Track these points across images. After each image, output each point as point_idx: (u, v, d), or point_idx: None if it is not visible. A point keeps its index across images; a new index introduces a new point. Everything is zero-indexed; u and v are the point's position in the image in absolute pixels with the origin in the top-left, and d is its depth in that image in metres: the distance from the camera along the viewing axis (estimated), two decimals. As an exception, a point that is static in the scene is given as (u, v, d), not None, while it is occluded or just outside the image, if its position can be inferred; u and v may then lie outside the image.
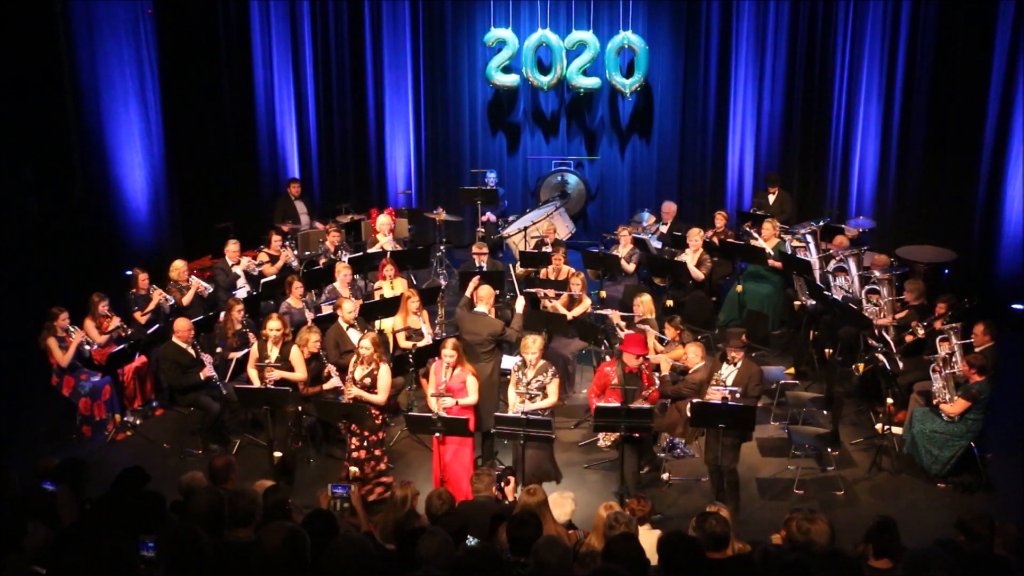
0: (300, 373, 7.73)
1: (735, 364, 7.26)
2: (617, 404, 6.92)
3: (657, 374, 8.33)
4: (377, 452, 7.36)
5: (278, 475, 7.35)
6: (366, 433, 7.26)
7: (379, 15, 13.37)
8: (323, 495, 5.83)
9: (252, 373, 7.71)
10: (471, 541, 5.15)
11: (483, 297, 8.18)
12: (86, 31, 11.42)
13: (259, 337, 8.38)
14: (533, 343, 7.24)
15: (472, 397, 7.21)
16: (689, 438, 7.98)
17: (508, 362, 8.49)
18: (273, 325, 7.69)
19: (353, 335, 8.24)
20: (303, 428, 8.14)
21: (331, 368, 7.84)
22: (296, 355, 7.73)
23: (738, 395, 7.01)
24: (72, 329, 8.48)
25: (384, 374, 7.30)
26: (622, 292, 10.14)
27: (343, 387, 7.37)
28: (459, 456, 7.17)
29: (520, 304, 8.24)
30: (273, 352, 7.64)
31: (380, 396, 7.28)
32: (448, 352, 7.17)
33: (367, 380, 7.25)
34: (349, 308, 8.34)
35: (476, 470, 6.70)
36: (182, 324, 8.21)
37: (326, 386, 7.87)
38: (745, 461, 7.93)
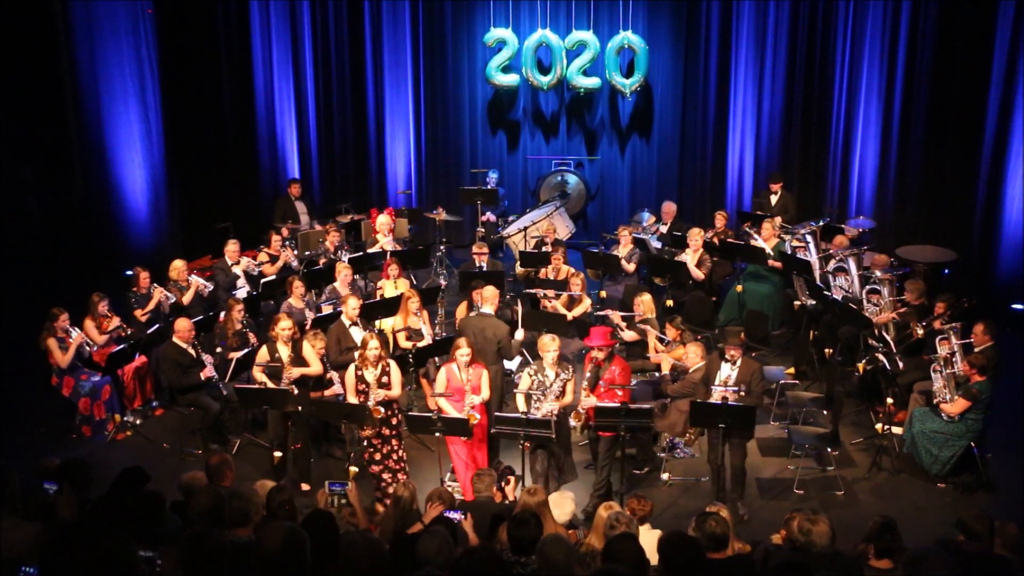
0: (316, 367, 7.73)
1: (735, 363, 7.26)
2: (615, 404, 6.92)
3: (657, 373, 8.34)
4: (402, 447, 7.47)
5: (279, 475, 7.38)
6: (387, 432, 7.28)
7: (379, 15, 13.37)
8: (321, 493, 5.84)
9: (260, 376, 7.61)
10: (455, 516, 5.17)
11: (488, 298, 8.16)
12: (86, 31, 11.43)
13: (260, 337, 8.38)
14: (552, 342, 7.17)
15: (487, 393, 7.29)
16: (690, 440, 7.95)
17: (509, 363, 8.51)
18: (284, 325, 7.66)
19: (355, 332, 8.24)
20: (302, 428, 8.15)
21: (333, 374, 7.82)
22: (309, 350, 7.72)
23: (742, 393, 7.02)
24: (72, 330, 8.48)
25: (395, 369, 7.36)
26: (622, 292, 10.14)
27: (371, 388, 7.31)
28: (481, 459, 7.26)
29: (520, 334, 8.31)
30: (284, 351, 7.63)
31: (397, 390, 7.33)
32: (463, 351, 7.17)
33: (384, 379, 7.25)
34: (354, 305, 8.33)
35: (477, 470, 6.70)
36: (183, 324, 8.21)
37: (327, 393, 7.85)
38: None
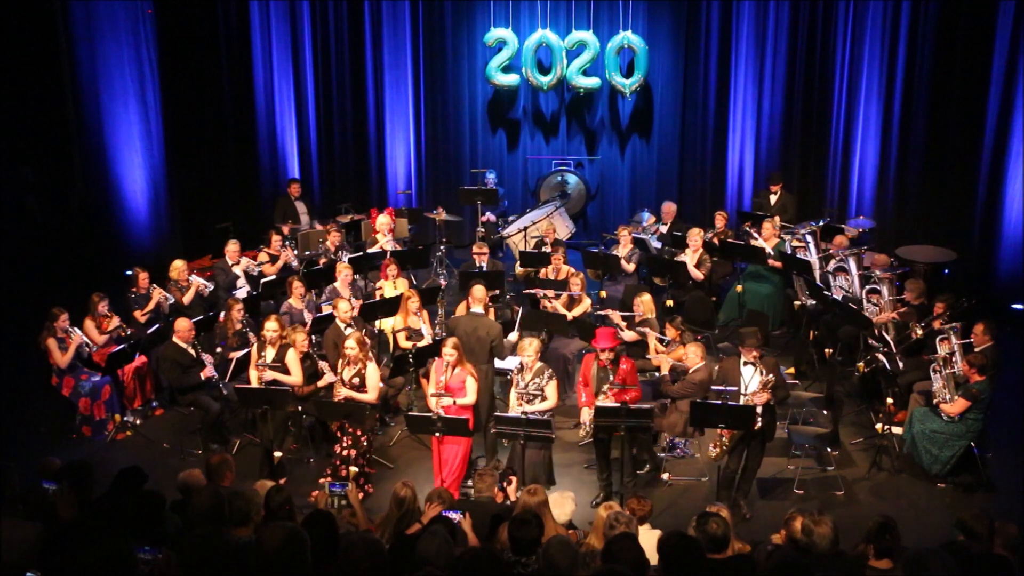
0: (296, 377, 7.71)
1: (755, 363, 7.16)
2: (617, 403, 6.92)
3: (657, 374, 8.33)
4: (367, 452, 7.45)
5: (273, 475, 7.37)
6: (358, 432, 7.29)
7: (379, 15, 13.37)
8: (320, 494, 5.84)
9: (253, 374, 7.70)
10: (454, 515, 5.19)
11: (478, 298, 8.17)
12: (86, 31, 11.43)
13: (259, 337, 8.39)
14: (529, 345, 7.19)
15: (471, 397, 7.20)
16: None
17: (507, 363, 8.51)
18: (270, 326, 7.69)
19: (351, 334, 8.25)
20: (302, 428, 8.15)
21: (323, 365, 7.81)
22: (292, 358, 7.72)
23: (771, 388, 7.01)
24: (72, 330, 8.48)
25: (372, 372, 7.32)
26: (622, 292, 10.13)
27: (335, 387, 7.35)
28: (456, 460, 7.17)
29: (514, 336, 8.33)
30: (269, 353, 7.64)
31: (371, 395, 7.30)
32: (448, 351, 7.15)
33: (356, 380, 7.25)
34: (345, 308, 8.32)
35: (479, 470, 6.70)
36: (183, 324, 8.21)
37: (320, 383, 7.84)
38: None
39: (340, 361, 7.42)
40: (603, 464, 7.39)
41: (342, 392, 7.23)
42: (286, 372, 7.67)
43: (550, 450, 7.22)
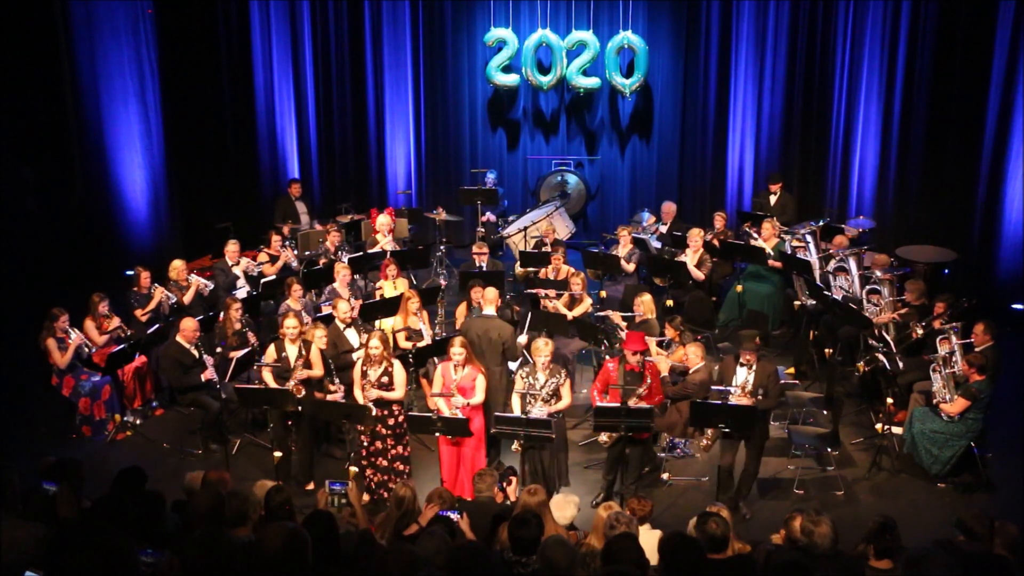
0: (319, 370, 7.72)
1: (750, 367, 7.17)
2: (617, 404, 6.90)
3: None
4: (401, 446, 7.43)
5: (282, 475, 7.37)
6: (382, 430, 7.28)
7: (379, 15, 13.38)
8: (321, 493, 5.84)
9: (267, 376, 7.61)
10: (453, 515, 5.18)
11: (490, 300, 8.16)
12: (86, 31, 11.43)
13: (259, 337, 8.38)
14: (545, 346, 7.14)
15: (480, 396, 7.19)
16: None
17: (510, 364, 8.51)
18: (290, 323, 7.67)
19: (351, 335, 8.24)
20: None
21: (338, 387, 7.76)
22: (315, 352, 7.73)
23: (760, 396, 7.00)
24: (71, 330, 8.48)
25: (399, 370, 7.31)
26: (622, 292, 10.13)
27: (365, 388, 7.31)
28: (476, 460, 7.18)
29: (523, 339, 8.31)
30: (292, 350, 7.62)
31: (399, 392, 7.27)
32: (457, 350, 7.13)
33: (384, 379, 7.23)
34: (344, 308, 8.31)
35: (479, 470, 6.69)
36: (189, 324, 8.18)
37: (329, 398, 7.82)
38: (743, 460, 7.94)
39: (359, 362, 7.36)
40: (611, 465, 7.37)
41: (372, 393, 7.16)
42: (310, 367, 7.67)
43: (564, 451, 7.24)
